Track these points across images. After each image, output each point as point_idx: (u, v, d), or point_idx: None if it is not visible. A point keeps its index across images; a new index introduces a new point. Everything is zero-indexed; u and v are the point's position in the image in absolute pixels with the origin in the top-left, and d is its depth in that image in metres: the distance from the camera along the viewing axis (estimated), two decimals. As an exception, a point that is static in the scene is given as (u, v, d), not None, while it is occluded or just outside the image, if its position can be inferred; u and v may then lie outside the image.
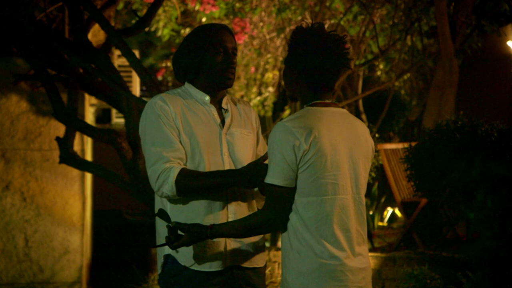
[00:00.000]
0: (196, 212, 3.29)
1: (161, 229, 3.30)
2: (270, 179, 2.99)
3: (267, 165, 3.06)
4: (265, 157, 3.15)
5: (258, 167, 3.18)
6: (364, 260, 3.08)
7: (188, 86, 3.42)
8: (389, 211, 10.18)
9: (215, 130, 3.36)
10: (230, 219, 3.30)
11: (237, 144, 3.38)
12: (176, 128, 3.28)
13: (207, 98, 3.38)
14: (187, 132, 3.30)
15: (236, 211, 3.33)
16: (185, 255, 3.27)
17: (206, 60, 3.34)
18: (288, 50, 3.12)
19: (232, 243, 3.31)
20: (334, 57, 3.04)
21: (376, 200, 9.91)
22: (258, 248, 3.39)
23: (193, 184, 3.22)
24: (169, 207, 3.32)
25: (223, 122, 3.40)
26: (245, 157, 3.40)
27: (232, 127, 3.40)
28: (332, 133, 3.02)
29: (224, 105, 3.43)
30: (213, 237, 3.11)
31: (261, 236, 3.40)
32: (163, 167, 3.23)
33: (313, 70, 3.04)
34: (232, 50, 3.37)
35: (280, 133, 2.98)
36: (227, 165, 3.33)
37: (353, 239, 3.04)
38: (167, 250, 3.31)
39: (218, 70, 3.35)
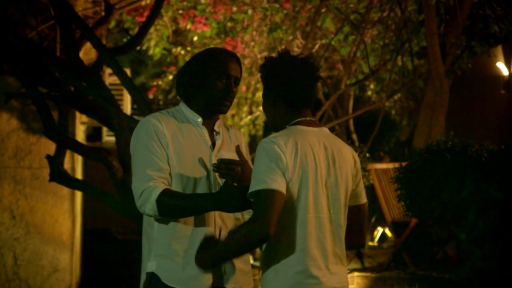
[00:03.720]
0: (183, 230, 3.29)
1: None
2: (257, 185, 2.94)
3: (243, 186, 3.07)
4: (235, 177, 3.15)
5: (234, 189, 3.14)
6: (341, 279, 3.08)
7: (182, 106, 3.43)
8: (379, 231, 10.18)
9: (205, 152, 3.36)
10: (221, 237, 3.29)
11: None
12: (166, 149, 3.29)
13: (200, 119, 3.40)
14: (177, 152, 3.30)
15: (223, 227, 3.33)
16: (169, 275, 3.27)
17: (207, 83, 3.36)
18: (262, 79, 3.19)
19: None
20: (306, 71, 3.12)
21: (366, 211, 9.88)
22: (244, 270, 3.38)
23: (174, 205, 3.21)
24: (155, 226, 3.32)
25: (214, 144, 3.41)
26: None
27: (222, 150, 3.41)
28: (314, 152, 3.05)
29: (216, 128, 3.44)
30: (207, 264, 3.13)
31: (247, 257, 3.39)
32: (147, 185, 3.24)
33: (288, 86, 3.10)
34: (234, 80, 3.39)
35: (265, 146, 3.00)
36: (216, 187, 3.34)
37: (329, 258, 3.05)
38: (149, 268, 3.31)
39: (215, 96, 3.36)
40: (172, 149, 3.30)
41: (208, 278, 3.27)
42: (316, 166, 3.03)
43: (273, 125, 3.21)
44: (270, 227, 2.88)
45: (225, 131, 3.49)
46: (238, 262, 3.34)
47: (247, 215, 3.45)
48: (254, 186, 2.95)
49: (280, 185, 2.93)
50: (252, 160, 3.37)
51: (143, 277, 3.34)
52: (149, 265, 3.31)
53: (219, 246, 3.09)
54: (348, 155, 3.17)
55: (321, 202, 3.04)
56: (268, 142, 3.01)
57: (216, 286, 3.29)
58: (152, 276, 3.30)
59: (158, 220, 3.31)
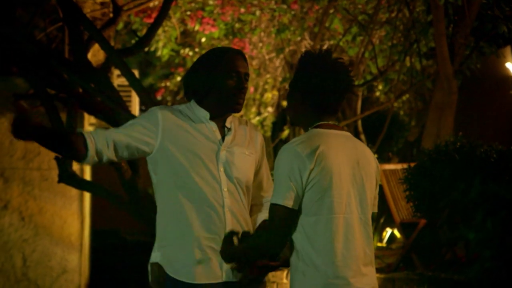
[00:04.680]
0: (189, 226, 3.29)
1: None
2: (275, 199, 2.99)
3: None
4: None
5: None
6: (370, 281, 3.07)
7: (192, 103, 3.43)
8: (388, 231, 10.15)
9: (212, 146, 3.35)
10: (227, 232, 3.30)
11: (236, 162, 3.37)
12: (150, 137, 3.32)
13: (208, 115, 3.39)
14: (183, 146, 3.31)
15: (234, 226, 3.33)
16: (172, 266, 3.29)
17: (218, 83, 3.35)
18: (295, 72, 3.15)
19: None
20: (341, 82, 3.09)
21: (375, 221, 9.88)
22: None
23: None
24: (158, 216, 3.36)
25: (224, 139, 3.40)
26: (242, 175, 3.40)
27: (233, 145, 3.40)
28: (337, 153, 3.04)
29: (228, 124, 3.43)
30: None
31: None
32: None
33: (320, 93, 3.08)
34: (244, 76, 3.38)
35: (286, 156, 3.00)
36: (224, 182, 3.33)
37: (359, 258, 3.04)
38: (154, 258, 3.34)
39: (229, 94, 3.35)
40: (176, 143, 3.31)
41: (218, 272, 3.27)
42: (340, 168, 3.02)
43: (293, 120, 3.20)
44: (281, 246, 3.02)
45: (238, 126, 3.46)
46: None
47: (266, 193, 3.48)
48: (273, 198, 3.01)
49: (293, 201, 2.98)
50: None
51: (149, 267, 3.36)
52: (153, 255, 3.33)
53: (244, 245, 3.13)
54: (371, 158, 3.17)
55: (349, 203, 3.04)
56: (290, 151, 3.01)
57: (227, 280, 3.30)
58: (159, 267, 3.31)
59: (161, 210, 3.34)
